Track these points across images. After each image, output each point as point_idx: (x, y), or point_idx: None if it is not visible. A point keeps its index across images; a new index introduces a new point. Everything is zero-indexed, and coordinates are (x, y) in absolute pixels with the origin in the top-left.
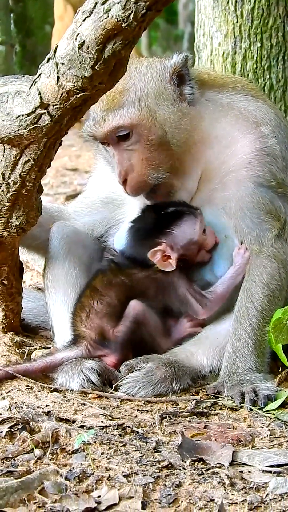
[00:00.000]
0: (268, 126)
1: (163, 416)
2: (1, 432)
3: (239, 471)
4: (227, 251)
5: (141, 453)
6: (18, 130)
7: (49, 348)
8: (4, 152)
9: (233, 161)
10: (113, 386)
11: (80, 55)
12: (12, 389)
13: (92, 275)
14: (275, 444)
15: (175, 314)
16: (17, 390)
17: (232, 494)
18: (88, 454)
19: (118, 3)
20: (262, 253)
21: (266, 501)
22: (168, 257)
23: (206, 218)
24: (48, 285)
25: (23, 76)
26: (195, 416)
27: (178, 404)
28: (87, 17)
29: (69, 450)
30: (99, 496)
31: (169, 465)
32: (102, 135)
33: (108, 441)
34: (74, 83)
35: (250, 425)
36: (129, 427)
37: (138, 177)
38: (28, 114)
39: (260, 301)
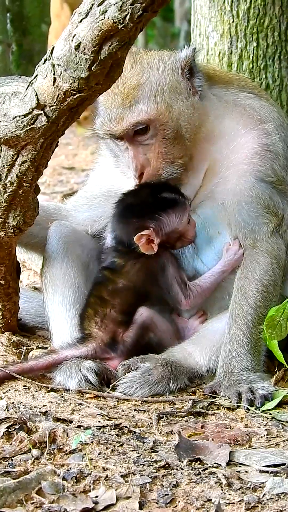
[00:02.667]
0: (272, 124)
1: (160, 416)
2: None
3: (236, 471)
4: (220, 246)
5: (138, 453)
6: (15, 131)
7: (47, 347)
8: (1, 152)
9: (235, 156)
10: (111, 385)
11: (76, 56)
12: (9, 389)
13: (93, 284)
14: (272, 444)
15: (182, 311)
16: (14, 390)
17: (229, 494)
18: (85, 454)
19: (114, 4)
20: (255, 248)
21: (263, 501)
22: (151, 241)
23: (203, 212)
24: (46, 285)
25: (20, 77)
26: (192, 416)
27: (175, 404)
28: (84, 18)
29: (66, 450)
30: (97, 496)
31: (166, 465)
32: (120, 132)
33: (106, 441)
34: (71, 84)
35: (247, 425)
36: (126, 427)
37: (153, 171)
38: (25, 115)
39: (254, 297)
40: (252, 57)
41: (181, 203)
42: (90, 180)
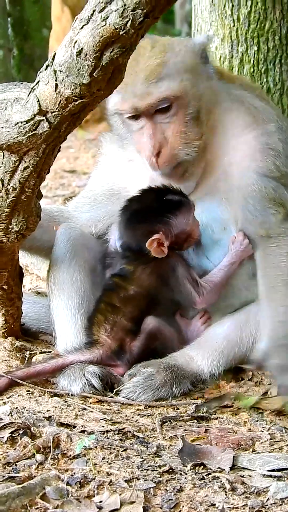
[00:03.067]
0: (273, 126)
1: (164, 420)
2: (2, 437)
3: (240, 476)
4: (226, 242)
5: (142, 458)
6: (17, 137)
7: (50, 352)
8: (3, 158)
9: (237, 152)
10: (114, 390)
11: (78, 63)
12: (13, 394)
13: (103, 290)
14: (275, 448)
15: (185, 312)
16: (18, 395)
17: (233, 499)
18: (89, 459)
19: (115, 11)
20: (270, 235)
21: (267, 505)
22: (161, 244)
23: (207, 209)
24: (52, 287)
25: (22, 83)
26: (195, 420)
27: (178, 409)
28: (85, 24)
29: (70, 455)
30: (101, 501)
31: (170, 470)
32: (144, 107)
33: (109, 446)
34: (73, 90)
35: (250, 429)
36: (129, 431)
37: (171, 150)
38: (27, 121)
39: (280, 277)
40: (253, 61)
41: (186, 204)
42: (92, 180)
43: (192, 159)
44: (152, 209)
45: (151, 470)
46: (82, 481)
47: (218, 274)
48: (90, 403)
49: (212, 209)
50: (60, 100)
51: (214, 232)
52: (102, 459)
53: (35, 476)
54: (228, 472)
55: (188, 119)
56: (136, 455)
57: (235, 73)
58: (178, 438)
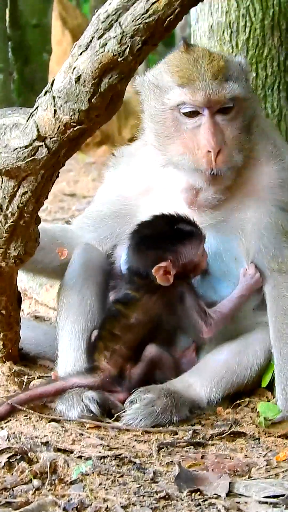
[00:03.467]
0: None
1: (161, 446)
2: (0, 462)
3: (236, 502)
4: (235, 273)
5: (138, 484)
6: (15, 162)
7: (48, 377)
8: (2, 183)
9: (256, 184)
10: (114, 416)
11: (76, 89)
12: (10, 419)
13: (106, 317)
14: (271, 475)
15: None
16: (16, 420)
17: None
18: (86, 484)
19: (114, 37)
20: (281, 269)
21: None
22: (168, 272)
23: (220, 237)
24: (60, 307)
25: (21, 108)
26: (192, 446)
27: (175, 434)
28: (84, 51)
29: (67, 481)
30: None
31: (167, 496)
32: (217, 100)
33: (106, 472)
34: (71, 116)
35: (246, 455)
36: (126, 457)
37: (229, 150)
38: (26, 147)
39: None
40: (251, 87)
41: (197, 235)
42: (97, 198)
43: (237, 168)
44: (162, 236)
45: (148, 496)
46: (79, 506)
47: (227, 306)
48: (88, 429)
49: (225, 237)
50: (59, 126)
51: (224, 261)
52: (99, 484)
53: (32, 502)
54: (224, 498)
55: (244, 126)
56: (133, 481)
57: None
58: (174, 464)
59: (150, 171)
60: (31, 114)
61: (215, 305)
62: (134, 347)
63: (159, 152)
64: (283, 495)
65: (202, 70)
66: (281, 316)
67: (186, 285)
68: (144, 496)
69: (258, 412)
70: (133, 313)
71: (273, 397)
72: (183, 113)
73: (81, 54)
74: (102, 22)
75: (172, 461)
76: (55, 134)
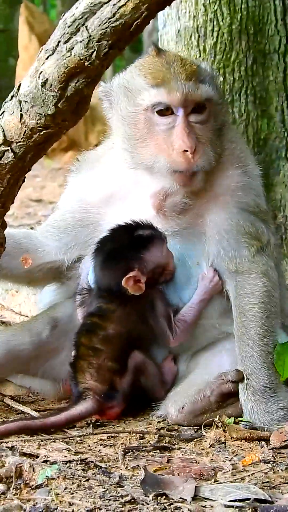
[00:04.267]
0: (257, 170)
1: (126, 450)
2: None
3: (202, 506)
4: (197, 278)
5: (104, 488)
6: None
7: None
8: None
9: (219, 188)
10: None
11: (43, 93)
12: None
13: (79, 333)
14: (237, 479)
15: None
16: None
17: None
18: (51, 489)
19: (81, 41)
20: (239, 270)
21: None
22: (138, 281)
23: (183, 242)
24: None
25: None
26: (158, 451)
27: (141, 439)
28: (50, 55)
29: (32, 485)
30: None
31: (132, 500)
32: (193, 99)
33: (72, 476)
34: (37, 120)
35: (212, 459)
36: (92, 462)
37: (204, 148)
38: None
39: (251, 311)
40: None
41: (157, 237)
42: (61, 205)
43: (207, 170)
44: (124, 247)
45: (113, 500)
46: (44, 511)
47: (190, 313)
48: (53, 433)
49: (189, 243)
50: (25, 131)
51: (187, 267)
52: (65, 489)
53: None
54: (190, 502)
55: (215, 129)
56: (98, 485)
57: None
58: (140, 468)
59: (115, 176)
60: None
61: (179, 311)
62: (117, 358)
63: (129, 155)
64: (249, 499)
65: (176, 72)
66: (239, 315)
67: (157, 292)
68: (109, 500)
69: (223, 417)
70: (110, 324)
71: None
72: (157, 114)
73: (47, 58)
74: (69, 26)
75: (138, 465)
76: (21, 139)
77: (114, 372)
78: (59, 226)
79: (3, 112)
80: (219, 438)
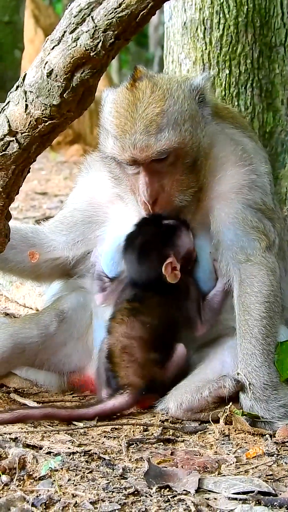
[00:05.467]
0: (264, 167)
1: (130, 442)
2: None
3: (205, 498)
4: (211, 268)
5: (107, 480)
6: None
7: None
8: None
9: (225, 185)
10: None
11: (48, 83)
12: None
13: (113, 317)
14: (241, 471)
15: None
16: None
17: None
18: (54, 480)
19: (86, 32)
20: (249, 261)
21: None
22: (174, 268)
23: (197, 240)
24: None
25: None
26: (161, 443)
27: (145, 431)
28: (56, 45)
29: (36, 477)
30: None
31: (136, 492)
32: (143, 159)
33: (75, 468)
34: (43, 111)
35: (216, 452)
36: (96, 453)
37: (167, 198)
38: None
39: (257, 310)
40: (225, 84)
41: (183, 224)
42: (70, 202)
43: (188, 203)
44: (156, 237)
45: (117, 492)
46: (47, 502)
47: (216, 299)
48: (57, 425)
49: (201, 240)
50: (30, 121)
51: (201, 258)
52: (68, 480)
53: (0, 497)
54: (194, 494)
55: (185, 168)
56: (101, 477)
57: (227, 106)
58: (144, 460)
59: (121, 177)
60: (2, 109)
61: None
62: (160, 348)
63: (109, 181)
64: (252, 492)
65: (134, 120)
66: (242, 313)
67: (190, 279)
68: (113, 492)
69: (231, 406)
70: (150, 310)
71: None
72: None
73: (53, 48)
74: (75, 16)
75: (141, 458)
76: (26, 129)
77: (156, 364)
78: (67, 222)
79: (8, 102)
80: (223, 431)
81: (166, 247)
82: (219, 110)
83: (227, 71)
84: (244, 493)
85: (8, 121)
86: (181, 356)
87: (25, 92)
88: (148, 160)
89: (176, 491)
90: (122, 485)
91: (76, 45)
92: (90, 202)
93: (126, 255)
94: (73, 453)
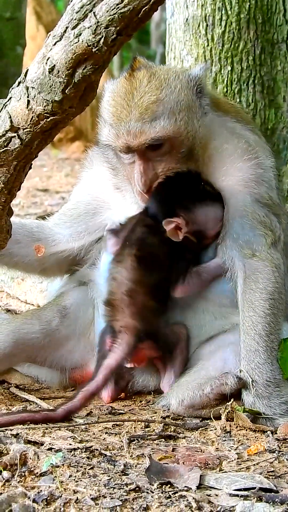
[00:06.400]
0: (269, 161)
1: (131, 439)
2: None
3: (207, 495)
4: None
5: (109, 476)
6: None
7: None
8: None
9: (231, 177)
10: None
11: (50, 79)
12: None
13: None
14: (242, 468)
15: None
16: None
17: None
18: (56, 476)
19: (88, 28)
20: (255, 257)
21: None
22: (179, 229)
23: None
24: None
25: None
26: (163, 439)
27: (146, 427)
28: (58, 41)
29: (37, 473)
30: None
31: (137, 488)
32: (137, 145)
33: (76, 464)
34: (44, 107)
35: (218, 448)
36: (97, 450)
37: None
38: None
39: (261, 306)
40: (227, 81)
41: (217, 200)
42: (74, 197)
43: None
44: (186, 193)
45: (118, 489)
46: (48, 498)
47: (205, 269)
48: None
49: None
50: (32, 117)
51: (208, 253)
52: (69, 476)
53: (1, 493)
54: (195, 491)
55: (181, 157)
56: (103, 473)
57: (230, 101)
58: (145, 456)
59: (124, 170)
60: (4, 104)
61: None
62: (158, 297)
63: (110, 177)
64: (254, 488)
65: (129, 108)
66: (246, 309)
67: (194, 250)
68: (114, 488)
69: (232, 403)
70: (155, 245)
71: None
72: (118, 150)
73: (55, 44)
74: (77, 12)
75: (142, 454)
76: (28, 125)
77: (153, 313)
78: (71, 214)
79: (10, 98)
80: (225, 427)
81: (182, 207)
82: (221, 104)
83: (229, 68)
84: (245, 489)
85: (10, 117)
86: (184, 334)
87: (27, 88)
88: (142, 147)
89: (177, 488)
90: (123, 481)
91: (78, 41)
92: (93, 195)
93: (155, 188)
94: (74, 449)
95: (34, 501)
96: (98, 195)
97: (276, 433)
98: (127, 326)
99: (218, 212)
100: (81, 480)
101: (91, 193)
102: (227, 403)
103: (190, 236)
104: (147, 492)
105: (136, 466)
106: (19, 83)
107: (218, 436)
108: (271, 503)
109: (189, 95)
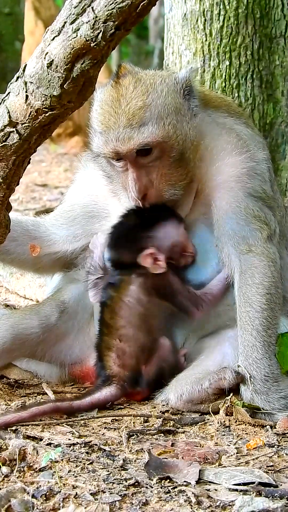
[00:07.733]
0: (262, 154)
1: (130, 434)
2: None
3: (206, 489)
4: (215, 258)
5: (108, 471)
6: None
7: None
8: None
9: (223, 174)
10: None
11: (48, 74)
12: None
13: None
14: (241, 462)
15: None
16: None
17: None
18: (55, 472)
19: (87, 22)
20: (251, 252)
21: None
22: (157, 259)
23: (200, 231)
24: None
25: None
26: (162, 434)
27: (145, 422)
28: (56, 36)
29: (36, 468)
30: None
31: (136, 483)
32: (126, 151)
33: (75, 459)
34: (43, 101)
35: (217, 443)
36: (96, 445)
37: (156, 192)
38: None
39: (258, 301)
40: (225, 75)
41: (170, 216)
42: (68, 197)
43: (179, 196)
44: (137, 227)
45: (117, 483)
46: (47, 493)
47: (217, 287)
48: (57, 416)
49: (204, 231)
50: (31, 112)
51: (206, 250)
52: (68, 472)
53: (0, 489)
54: (194, 485)
55: (172, 162)
56: (102, 468)
57: (207, 89)
58: (144, 451)
59: (119, 171)
60: (2, 99)
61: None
62: (140, 342)
63: (105, 184)
64: (253, 483)
65: (117, 115)
66: (243, 304)
67: (173, 272)
68: (113, 483)
69: (232, 397)
70: (127, 295)
71: None
72: (109, 158)
73: (53, 39)
74: (75, 7)
75: (142, 449)
76: (26, 120)
77: (139, 359)
78: (68, 216)
79: (9, 93)
80: (224, 422)
81: (146, 237)
82: (211, 99)
83: (227, 63)
84: (244, 484)
85: (9, 112)
86: (166, 349)
87: (26, 83)
88: (132, 153)
89: (176, 482)
90: (122, 476)
91: (77, 35)
92: (89, 197)
93: (108, 239)
94: (74, 444)
95: (33, 496)
96: (93, 198)
97: (275, 428)
98: (115, 375)
99: (175, 223)
100: (80, 475)
101: (86, 196)
102: (226, 398)
103: (170, 260)
104: (146, 487)
105: (135, 461)
106: (18, 78)
107: (217, 431)
108: (270, 497)
109: (176, 99)
